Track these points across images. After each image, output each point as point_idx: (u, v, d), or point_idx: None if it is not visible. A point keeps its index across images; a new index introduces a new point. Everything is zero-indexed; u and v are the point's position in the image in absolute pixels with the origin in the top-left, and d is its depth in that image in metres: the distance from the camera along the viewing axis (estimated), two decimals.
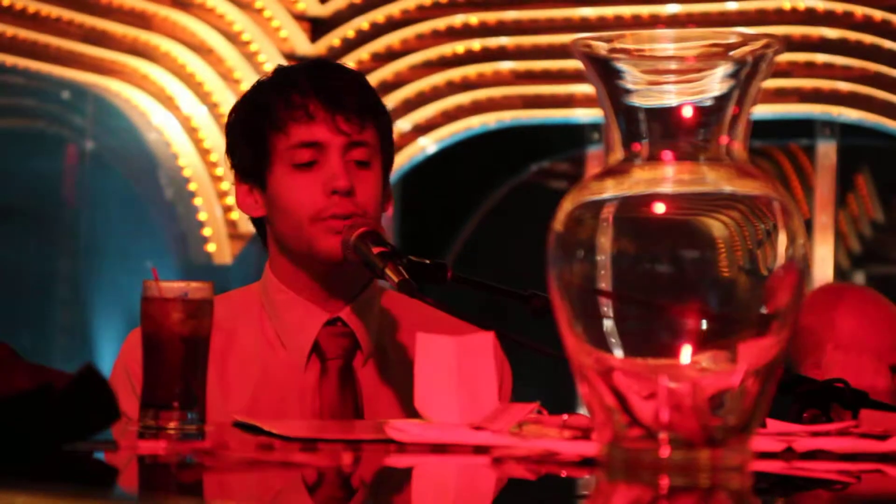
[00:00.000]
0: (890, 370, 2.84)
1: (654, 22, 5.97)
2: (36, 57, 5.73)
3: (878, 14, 5.81)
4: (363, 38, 6.41)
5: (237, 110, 2.34)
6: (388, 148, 2.32)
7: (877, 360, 2.81)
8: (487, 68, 6.31)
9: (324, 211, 2.22)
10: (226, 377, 2.25)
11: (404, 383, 2.28)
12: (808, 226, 6.03)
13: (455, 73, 6.33)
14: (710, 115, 1.40)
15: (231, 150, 2.34)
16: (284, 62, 6.39)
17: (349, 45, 6.42)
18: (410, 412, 2.25)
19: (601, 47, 1.40)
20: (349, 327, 2.28)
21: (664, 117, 1.41)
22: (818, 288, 3.00)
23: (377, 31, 6.40)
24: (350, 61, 6.29)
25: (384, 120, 2.31)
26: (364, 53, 6.38)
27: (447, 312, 2.20)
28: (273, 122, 2.25)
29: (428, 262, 2.25)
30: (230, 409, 2.20)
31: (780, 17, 5.92)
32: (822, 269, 5.99)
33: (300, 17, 6.44)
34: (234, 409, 2.20)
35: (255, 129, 2.27)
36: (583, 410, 1.62)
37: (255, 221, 2.36)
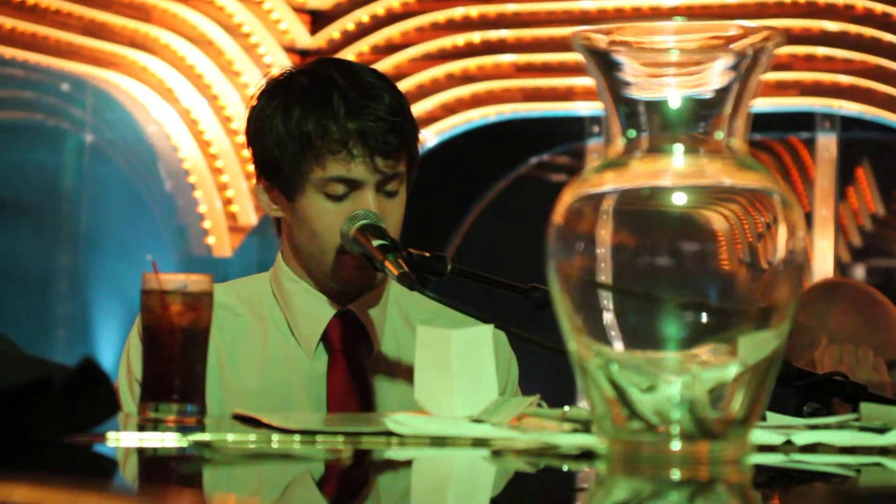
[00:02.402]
0: (885, 365, 2.85)
1: (655, 14, 5.97)
2: (35, 49, 5.73)
3: (878, 7, 5.80)
4: (363, 30, 6.41)
5: (265, 110, 2.26)
6: (415, 161, 2.29)
7: (873, 354, 2.82)
8: (487, 61, 6.31)
9: None
10: (236, 362, 2.27)
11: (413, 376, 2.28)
12: (808, 219, 6.03)
13: (455, 66, 6.33)
14: (710, 107, 1.40)
15: (254, 146, 2.29)
16: (284, 55, 6.41)
17: (349, 38, 6.41)
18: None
19: (601, 40, 1.40)
20: (359, 319, 2.28)
21: (664, 110, 1.41)
22: (811, 285, 3.00)
23: (377, 23, 6.39)
24: (350, 54, 6.29)
25: (415, 142, 2.29)
26: (364, 46, 6.38)
27: (447, 305, 2.20)
28: (310, 151, 2.20)
29: (428, 254, 2.25)
30: (240, 394, 2.22)
31: (780, 9, 5.92)
32: (823, 262, 5.99)
33: (300, 10, 6.44)
34: (244, 394, 2.22)
35: (289, 147, 2.22)
36: (583, 403, 1.62)
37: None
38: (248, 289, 2.33)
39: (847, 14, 5.86)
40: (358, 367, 2.27)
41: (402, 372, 2.29)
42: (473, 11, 6.28)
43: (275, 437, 1.67)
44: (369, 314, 2.29)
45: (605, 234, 1.37)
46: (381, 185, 2.22)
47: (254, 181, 2.35)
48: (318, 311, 2.28)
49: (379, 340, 2.29)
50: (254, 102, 2.30)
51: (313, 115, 2.21)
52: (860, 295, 2.94)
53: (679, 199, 1.39)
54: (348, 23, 6.42)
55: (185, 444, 1.64)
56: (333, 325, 2.28)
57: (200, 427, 1.77)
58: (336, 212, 2.22)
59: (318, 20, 6.48)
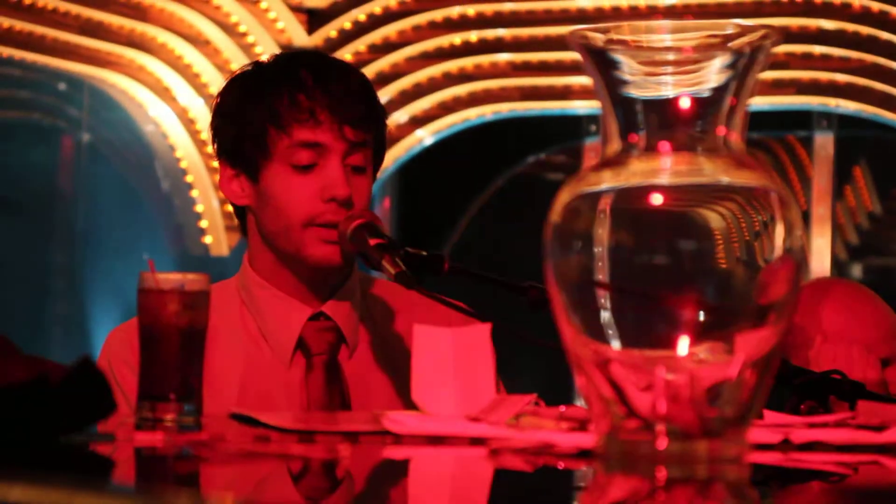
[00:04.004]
0: (879, 363, 2.85)
1: (652, 13, 5.97)
2: (32, 48, 5.73)
3: (875, 5, 5.80)
4: (360, 29, 6.41)
5: (232, 93, 2.28)
6: (382, 150, 2.32)
7: (867, 352, 2.82)
8: (484, 60, 6.31)
9: (318, 217, 2.21)
10: (209, 373, 2.23)
11: (391, 374, 2.27)
12: (806, 217, 6.03)
13: (452, 65, 6.33)
14: (707, 106, 1.40)
15: (219, 132, 2.29)
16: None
17: (346, 37, 6.41)
18: (397, 403, 2.25)
19: (598, 38, 1.40)
20: (333, 321, 2.27)
21: (661, 108, 1.41)
22: (803, 284, 3.00)
23: (374, 22, 6.39)
24: (347, 53, 6.29)
25: (382, 124, 2.30)
26: (361, 45, 6.38)
27: (444, 304, 2.20)
28: (276, 121, 2.21)
29: (425, 253, 2.25)
30: (215, 406, 2.18)
31: (777, 7, 5.92)
32: (820, 260, 5.99)
33: (297, 9, 6.44)
34: (220, 406, 2.18)
35: (254, 121, 2.22)
36: (580, 402, 1.62)
37: (237, 209, 2.34)
38: (215, 297, 2.26)
39: (844, 12, 5.86)
40: (336, 370, 2.26)
41: (380, 370, 2.28)
42: (470, 10, 6.28)
43: (272, 436, 1.67)
44: (343, 314, 2.27)
45: (602, 232, 1.37)
46: (347, 155, 2.22)
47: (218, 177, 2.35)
48: (290, 316, 2.26)
49: (354, 340, 2.28)
50: (217, 99, 2.32)
51: (281, 88, 2.22)
52: (851, 293, 2.94)
53: (676, 198, 1.39)
54: (345, 22, 6.42)
55: (182, 444, 1.64)
56: (308, 329, 2.26)
57: (197, 426, 1.77)
58: (302, 185, 2.21)
59: (314, 19, 6.48)
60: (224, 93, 2.30)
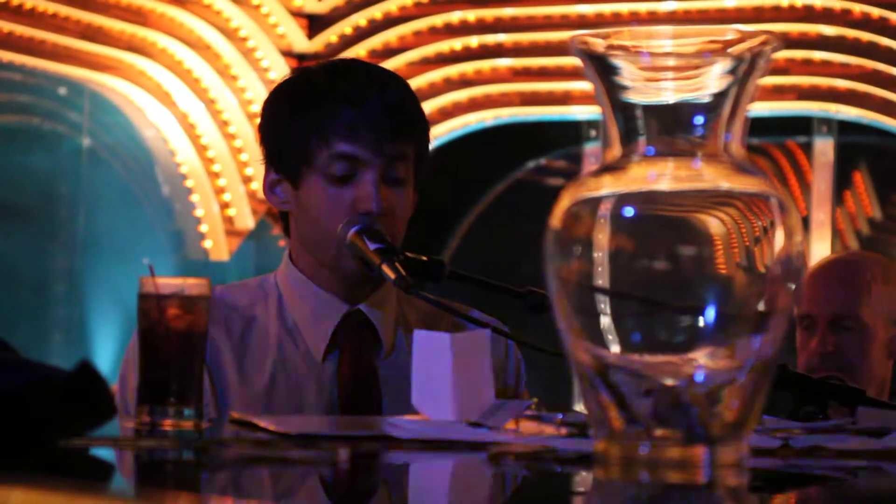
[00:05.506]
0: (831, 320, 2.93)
1: (652, 19, 5.97)
2: (33, 53, 5.73)
3: (875, 11, 5.81)
4: (360, 34, 6.41)
5: (278, 102, 2.31)
6: (425, 156, 2.32)
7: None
8: (485, 65, 6.32)
9: None
10: (244, 362, 2.26)
11: None
12: (806, 223, 6.03)
13: (452, 70, 6.33)
14: (707, 112, 1.40)
15: (264, 137, 2.33)
16: (281, 59, 6.42)
17: (346, 42, 6.42)
18: None
19: (599, 44, 1.40)
20: (369, 319, 2.28)
21: (662, 114, 1.41)
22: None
23: (374, 27, 6.40)
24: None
25: (424, 132, 2.32)
26: (361, 50, 6.38)
27: (444, 308, 2.20)
28: (318, 132, 2.23)
29: (425, 258, 2.25)
30: (249, 395, 2.21)
31: (777, 13, 5.92)
32: None
33: (297, 14, 6.44)
34: (253, 395, 2.21)
35: (298, 131, 2.25)
36: (580, 407, 1.62)
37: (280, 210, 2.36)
38: (256, 290, 2.33)
39: (844, 18, 5.86)
40: (368, 367, 2.27)
41: (412, 372, 2.28)
42: (471, 15, 6.28)
43: (272, 441, 1.67)
44: (378, 314, 2.29)
45: (602, 238, 1.37)
46: (386, 169, 2.23)
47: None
48: (327, 311, 2.28)
49: (389, 340, 2.29)
50: (264, 107, 2.35)
51: (323, 99, 2.24)
52: (825, 264, 3.03)
53: (676, 204, 1.39)
54: (346, 27, 6.42)
55: (181, 448, 1.64)
56: (343, 325, 2.28)
57: (197, 431, 1.77)
58: (338, 198, 2.22)
59: (315, 24, 6.48)
60: (270, 101, 2.33)
